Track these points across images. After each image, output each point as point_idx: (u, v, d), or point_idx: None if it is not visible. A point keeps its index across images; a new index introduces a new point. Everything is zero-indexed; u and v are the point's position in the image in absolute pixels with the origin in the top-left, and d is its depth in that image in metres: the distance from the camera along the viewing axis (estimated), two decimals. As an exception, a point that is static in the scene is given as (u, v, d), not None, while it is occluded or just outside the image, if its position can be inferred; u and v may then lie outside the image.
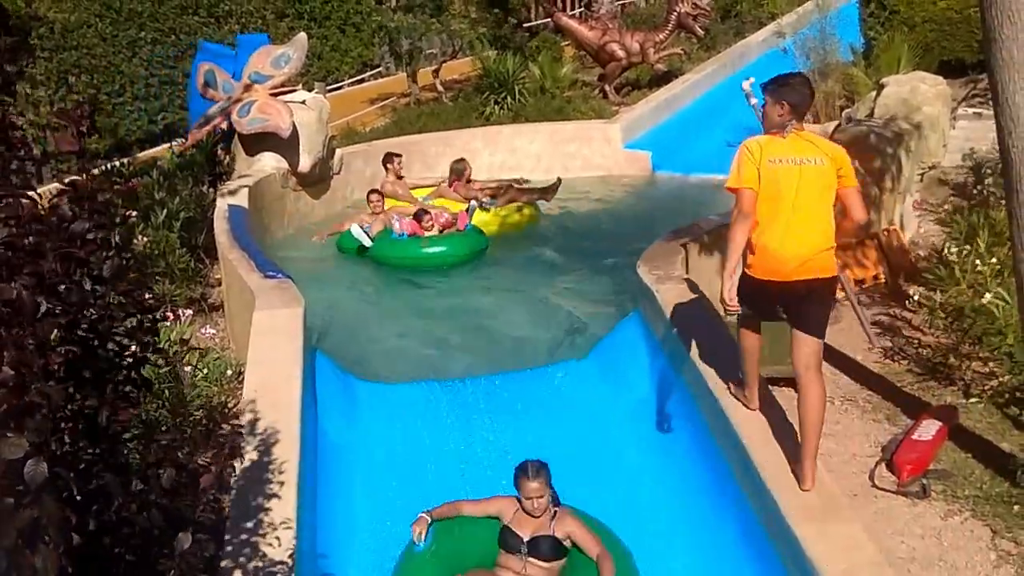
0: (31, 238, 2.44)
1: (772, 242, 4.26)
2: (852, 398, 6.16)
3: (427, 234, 8.72)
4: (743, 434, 4.57)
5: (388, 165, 10.04)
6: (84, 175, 2.71)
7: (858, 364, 6.58)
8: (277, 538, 3.77)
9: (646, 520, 4.84)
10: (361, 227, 8.78)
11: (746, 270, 4.43)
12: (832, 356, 6.66)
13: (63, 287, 2.47)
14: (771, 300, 4.44)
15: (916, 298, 7.15)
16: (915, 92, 9.29)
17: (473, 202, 9.46)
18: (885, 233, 7.96)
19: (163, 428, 4.82)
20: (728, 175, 4.44)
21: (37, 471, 2.29)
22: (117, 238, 2.77)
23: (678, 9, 15.33)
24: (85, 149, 2.64)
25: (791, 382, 6.27)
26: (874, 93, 9.73)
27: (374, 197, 9.38)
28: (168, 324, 6.81)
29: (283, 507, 3.98)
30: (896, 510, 4.90)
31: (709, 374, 5.07)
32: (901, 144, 8.47)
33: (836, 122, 10.17)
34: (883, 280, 7.73)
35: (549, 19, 17.21)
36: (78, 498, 2.70)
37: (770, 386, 5.32)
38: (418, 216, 8.83)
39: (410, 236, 8.72)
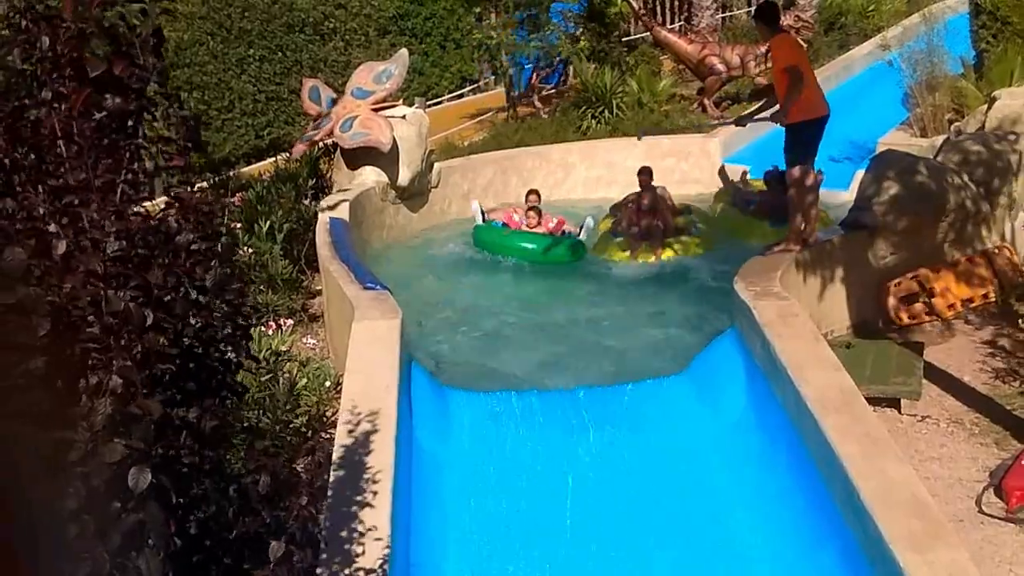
0: (139, 251, 2.53)
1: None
2: (959, 420, 5.96)
3: (526, 230, 9.33)
4: (843, 456, 4.45)
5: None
6: (189, 188, 2.81)
7: (965, 385, 6.36)
8: (371, 547, 3.82)
9: (740, 544, 4.76)
10: (480, 206, 9.80)
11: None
12: (938, 377, 6.47)
13: (168, 298, 2.56)
14: None
15: (1029, 318, 6.89)
16: (1030, 105, 8.95)
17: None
18: (996, 251, 7.69)
19: (263, 435, 4.95)
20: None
21: (141, 478, 2.40)
22: (219, 249, 2.86)
23: (780, 22, 15.08)
24: (190, 163, 2.74)
25: (894, 403, 6.13)
26: (985, 107, 9.41)
27: (532, 197, 9.98)
28: (270, 334, 6.99)
29: (377, 516, 4.04)
30: (1004, 537, 4.72)
31: (807, 392, 4.95)
32: (1012, 159, 8.17)
33: (945, 136, 9.86)
34: (994, 299, 7.46)
35: (648, 33, 17.15)
36: (180, 503, 2.79)
37: (873, 407, 5.18)
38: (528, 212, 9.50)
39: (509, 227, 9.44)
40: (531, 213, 9.45)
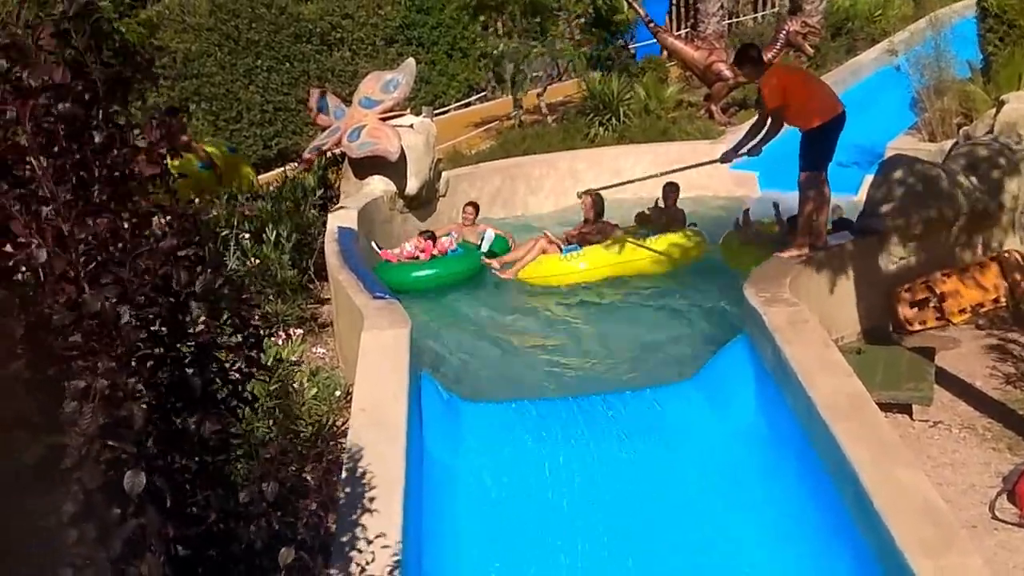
0: (114, 254, 2.57)
1: None
2: (971, 426, 5.93)
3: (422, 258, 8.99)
4: (855, 462, 4.42)
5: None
6: (173, 194, 2.83)
7: (977, 390, 6.33)
8: (381, 555, 3.82)
9: (751, 552, 4.74)
10: (375, 244, 9.23)
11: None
12: (950, 382, 6.44)
13: (143, 299, 2.58)
14: None
15: (1040, 322, 6.86)
16: (1038, 109, 8.93)
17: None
18: (1006, 255, 7.66)
19: (268, 444, 4.94)
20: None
21: (136, 481, 2.45)
22: (204, 255, 2.88)
23: (787, 28, 15.08)
24: (169, 170, 2.78)
25: (905, 408, 6.10)
26: (993, 110, 9.39)
27: (469, 209, 9.89)
28: (280, 344, 7.00)
29: (388, 524, 4.03)
30: (1017, 542, 4.69)
31: (818, 398, 4.93)
32: (1021, 162, 8.14)
33: (953, 140, 9.83)
34: (1004, 304, 7.43)
35: (654, 39, 17.16)
36: (181, 510, 2.79)
37: (884, 413, 5.16)
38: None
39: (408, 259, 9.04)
40: (419, 239, 9.08)
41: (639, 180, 9.15)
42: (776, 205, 8.95)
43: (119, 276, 2.53)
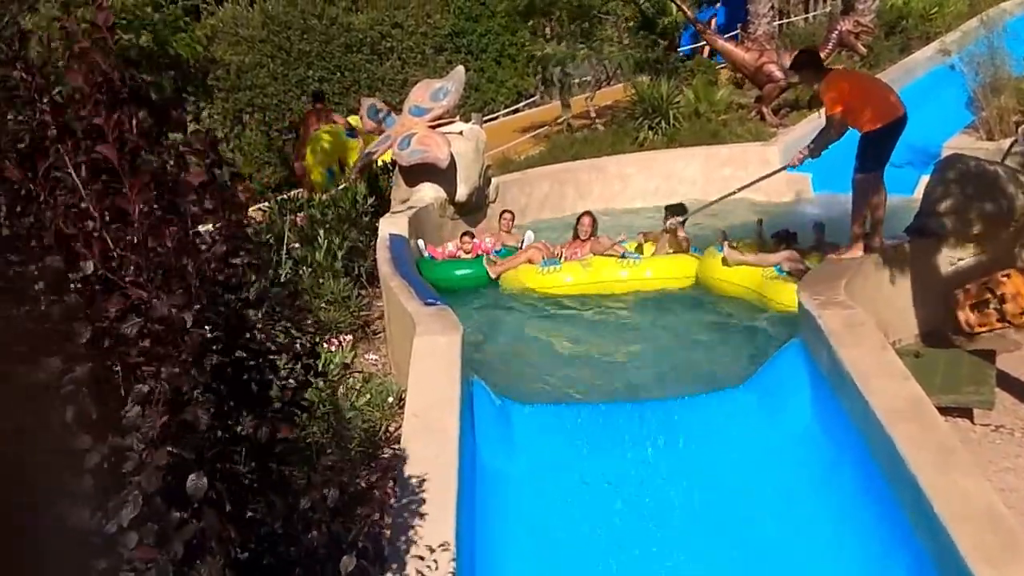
0: (175, 263, 2.64)
1: None
2: (1035, 430, 5.80)
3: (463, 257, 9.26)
4: (914, 467, 4.35)
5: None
6: (223, 203, 2.88)
7: (1041, 394, 6.19)
8: (436, 562, 3.83)
9: (808, 558, 4.68)
10: (422, 243, 9.40)
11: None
12: (1011, 385, 6.31)
13: (202, 307, 2.65)
14: None
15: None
16: (1100, 104, 8.72)
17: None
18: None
19: (328, 451, 4.99)
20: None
21: (198, 485, 2.50)
22: (256, 261, 2.94)
23: (839, 27, 14.89)
24: (215, 179, 2.84)
25: (966, 413, 5.99)
26: (1053, 107, 9.20)
27: (507, 215, 10.01)
28: (332, 350, 7.07)
29: (442, 531, 4.05)
30: (1086, 552, 4.56)
31: (875, 402, 4.86)
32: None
33: (1012, 139, 9.64)
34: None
35: (704, 41, 17.05)
36: (242, 514, 2.84)
37: (945, 417, 5.07)
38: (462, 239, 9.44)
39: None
40: (465, 239, 9.38)
41: (726, 197, 8.83)
42: (760, 221, 8.80)
43: (186, 282, 2.59)
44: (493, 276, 8.93)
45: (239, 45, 19.49)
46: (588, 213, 9.43)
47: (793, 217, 9.82)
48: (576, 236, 9.24)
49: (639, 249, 9.19)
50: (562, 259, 8.90)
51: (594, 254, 8.88)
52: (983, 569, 3.70)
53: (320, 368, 3.26)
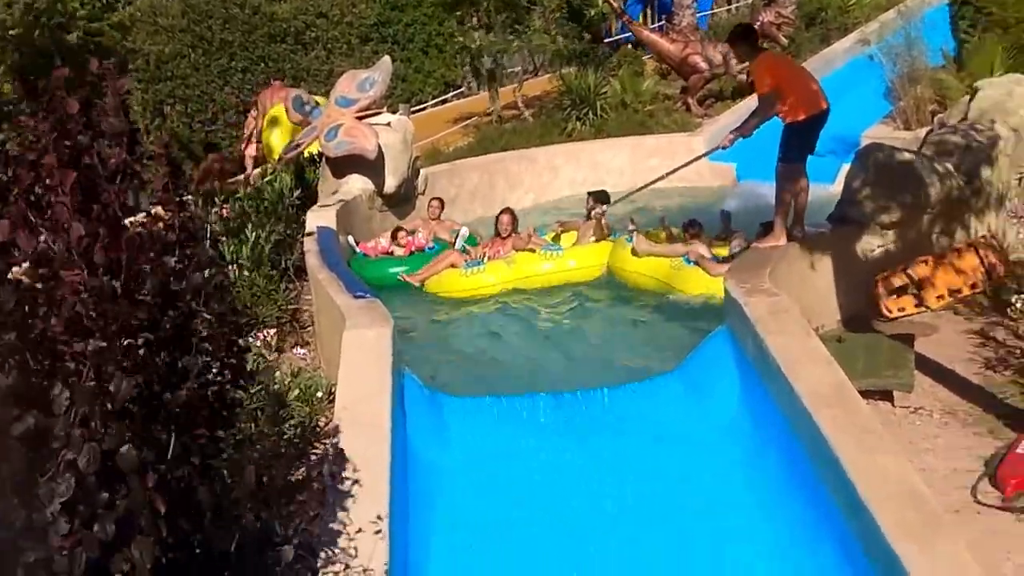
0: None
1: None
2: (952, 411, 5.97)
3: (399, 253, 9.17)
4: (838, 449, 4.45)
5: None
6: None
7: (957, 375, 6.37)
8: (369, 555, 3.81)
9: (736, 540, 4.75)
10: (351, 239, 9.29)
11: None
12: (930, 368, 6.49)
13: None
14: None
15: (1019, 306, 6.90)
16: (1011, 95, 9.00)
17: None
18: (983, 240, 7.72)
19: (255, 445, 4.91)
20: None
21: (128, 456, 2.50)
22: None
23: (761, 19, 15.15)
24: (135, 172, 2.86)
25: (886, 395, 6.14)
26: (967, 97, 9.46)
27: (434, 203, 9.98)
28: (259, 344, 6.96)
29: (375, 523, 4.03)
30: (1001, 526, 4.72)
31: (800, 388, 4.96)
32: (996, 149, 8.20)
33: (928, 128, 9.90)
34: (982, 289, 7.49)
35: (630, 33, 17.17)
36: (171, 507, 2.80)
37: (867, 400, 5.19)
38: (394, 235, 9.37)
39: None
40: (401, 234, 9.31)
41: (654, 183, 8.82)
42: (663, 219, 8.89)
43: (116, 251, 2.57)
44: (416, 284, 8.75)
45: (158, 35, 19.05)
46: (507, 210, 9.25)
47: (717, 205, 9.94)
48: (497, 234, 9.10)
49: (557, 239, 9.16)
50: (485, 259, 8.76)
51: (516, 250, 8.79)
52: (905, 546, 3.81)
53: (248, 361, 3.21)
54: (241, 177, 12.50)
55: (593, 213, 8.94)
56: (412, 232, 9.41)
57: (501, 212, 9.25)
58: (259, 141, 14.18)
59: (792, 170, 7.11)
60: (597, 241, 8.81)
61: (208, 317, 2.94)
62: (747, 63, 7.49)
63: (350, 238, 9.25)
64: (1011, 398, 5.99)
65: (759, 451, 5.32)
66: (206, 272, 2.90)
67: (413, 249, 9.20)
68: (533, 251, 8.76)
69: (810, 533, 4.59)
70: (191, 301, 2.87)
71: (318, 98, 10.87)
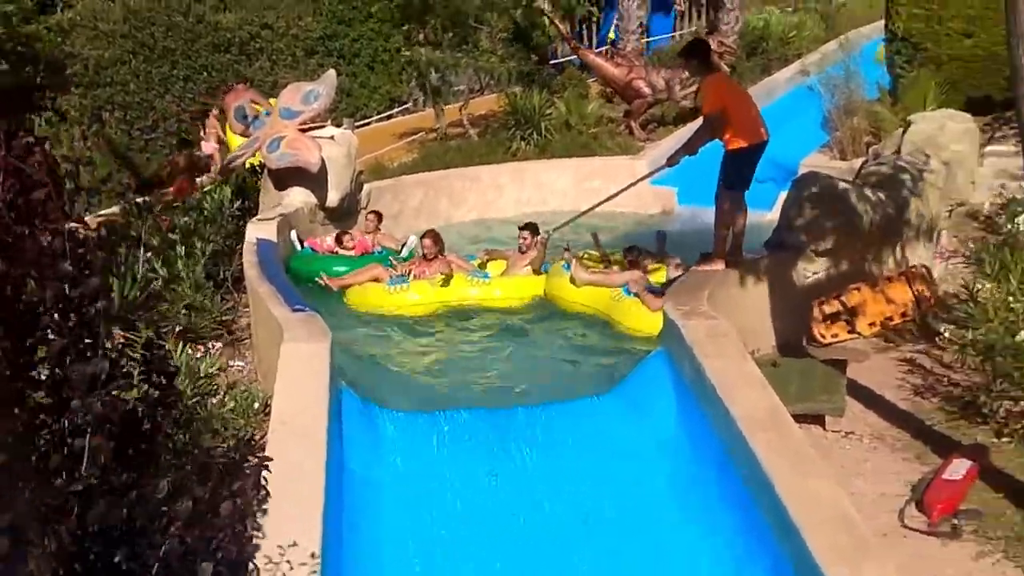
0: None
1: None
2: (881, 436, 6.09)
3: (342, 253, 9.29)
4: (772, 473, 4.51)
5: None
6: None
7: (887, 401, 6.51)
8: (301, 570, 3.75)
9: (669, 562, 4.78)
10: (296, 234, 9.43)
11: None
12: (860, 393, 6.61)
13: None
14: None
15: (947, 336, 7.08)
16: (943, 129, 9.28)
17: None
18: (913, 270, 7.91)
19: (183, 459, 4.82)
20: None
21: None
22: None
23: (704, 46, 15.36)
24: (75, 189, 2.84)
25: (819, 419, 6.24)
26: (901, 130, 9.71)
27: (371, 216, 9.96)
28: (198, 357, 6.83)
29: (308, 540, 3.96)
30: (927, 550, 4.82)
31: (736, 411, 5.02)
32: (928, 181, 8.43)
33: (863, 159, 10.15)
34: (912, 317, 7.66)
35: (575, 55, 17.32)
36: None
37: (799, 424, 5.27)
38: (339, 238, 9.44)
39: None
40: (346, 237, 9.40)
41: (598, 206, 8.75)
42: (595, 235, 8.94)
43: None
44: (334, 288, 8.59)
45: (98, 40, 18.73)
46: (429, 233, 8.99)
47: (654, 228, 10.01)
48: (423, 256, 8.85)
49: (483, 267, 9.05)
50: (411, 276, 8.57)
51: (441, 274, 8.55)
52: (837, 569, 3.87)
53: (185, 377, 3.16)
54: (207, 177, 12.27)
55: (540, 237, 8.79)
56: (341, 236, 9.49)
57: (424, 235, 9.00)
58: (221, 143, 13.99)
59: (732, 196, 7.22)
60: (534, 272, 8.62)
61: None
62: (693, 86, 7.55)
63: (294, 233, 9.30)
64: (938, 425, 6.14)
65: (695, 473, 5.36)
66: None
67: (363, 251, 9.27)
68: (460, 274, 8.62)
69: (743, 555, 4.63)
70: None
71: (273, 100, 10.68)
